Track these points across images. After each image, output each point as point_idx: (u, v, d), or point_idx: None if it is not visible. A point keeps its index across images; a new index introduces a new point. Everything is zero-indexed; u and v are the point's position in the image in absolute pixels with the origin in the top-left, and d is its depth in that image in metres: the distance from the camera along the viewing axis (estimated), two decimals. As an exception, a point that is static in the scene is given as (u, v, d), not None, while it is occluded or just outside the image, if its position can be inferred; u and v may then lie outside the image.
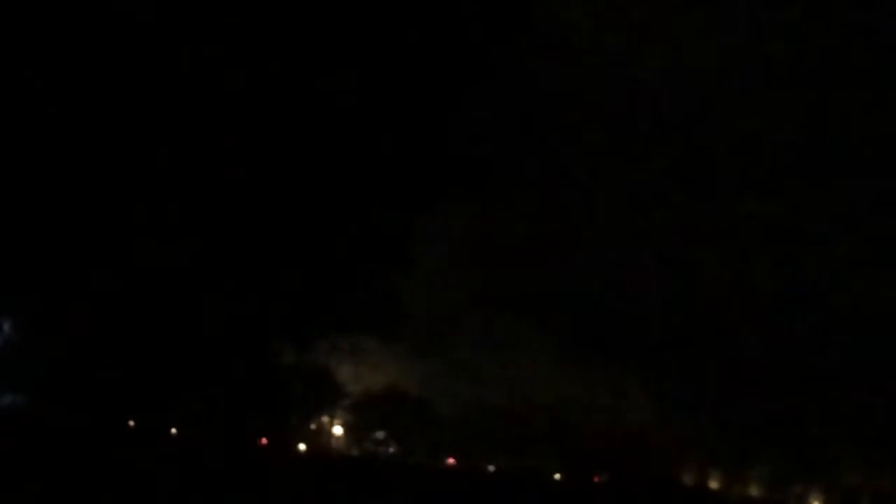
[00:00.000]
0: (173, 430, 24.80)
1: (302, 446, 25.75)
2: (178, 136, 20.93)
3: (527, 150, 24.07)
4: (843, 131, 25.49)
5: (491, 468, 26.79)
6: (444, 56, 20.60)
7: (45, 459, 21.01)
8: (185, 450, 24.44)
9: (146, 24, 19.19)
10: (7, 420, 24.25)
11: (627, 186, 25.77)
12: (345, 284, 23.19)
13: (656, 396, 26.44)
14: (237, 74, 20.64)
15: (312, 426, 26.00)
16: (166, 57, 19.76)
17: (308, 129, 21.27)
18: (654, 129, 25.28)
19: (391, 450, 26.77)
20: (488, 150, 22.99)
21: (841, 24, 24.79)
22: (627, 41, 24.33)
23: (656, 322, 26.10)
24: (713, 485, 27.52)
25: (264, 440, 25.28)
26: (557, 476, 26.45)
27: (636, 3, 24.18)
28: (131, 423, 24.60)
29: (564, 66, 23.38)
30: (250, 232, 22.02)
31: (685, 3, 24.53)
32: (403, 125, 21.17)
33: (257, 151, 21.30)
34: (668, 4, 24.43)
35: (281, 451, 25.54)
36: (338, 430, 26.32)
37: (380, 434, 26.69)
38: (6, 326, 23.76)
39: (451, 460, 26.68)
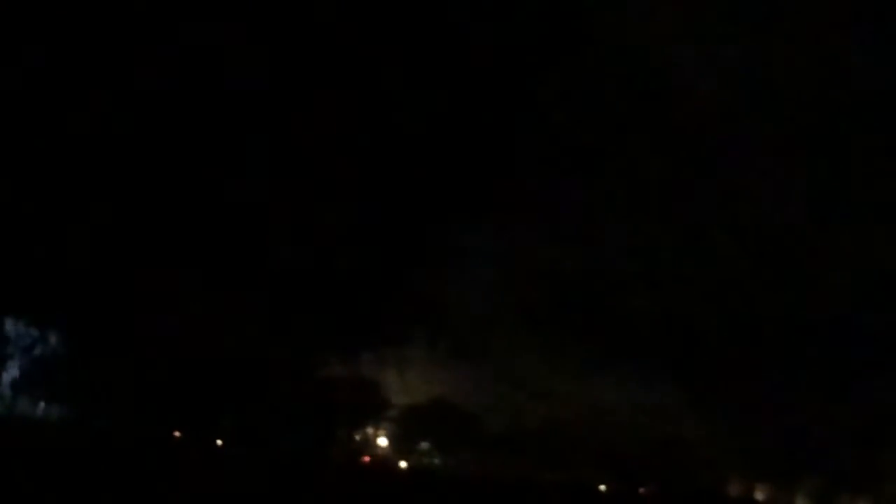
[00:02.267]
0: (219, 442, 24.80)
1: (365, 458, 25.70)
2: (218, 154, 20.90)
3: (568, 173, 23.93)
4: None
5: (534, 480, 26.68)
6: (498, 79, 20.53)
7: (92, 470, 21.03)
8: (230, 461, 24.43)
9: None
10: (53, 430, 24.38)
11: (668, 205, 25.68)
12: (391, 297, 23.13)
13: (703, 408, 26.27)
14: (279, 81, 20.51)
15: (357, 437, 25.94)
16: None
17: (357, 143, 21.18)
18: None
19: (436, 461, 26.70)
20: (532, 172, 23.00)
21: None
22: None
23: (703, 335, 25.95)
24: (759, 496, 27.35)
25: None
26: (603, 487, 26.30)
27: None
28: (177, 434, 24.62)
29: (611, 93, 23.28)
30: (298, 245, 21.98)
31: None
32: (454, 143, 21.08)
33: (303, 165, 21.23)
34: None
35: (325, 461, 25.51)
36: (383, 441, 26.26)
37: (424, 445, 26.61)
38: (53, 339, 23.85)
39: (490, 473, 26.61)
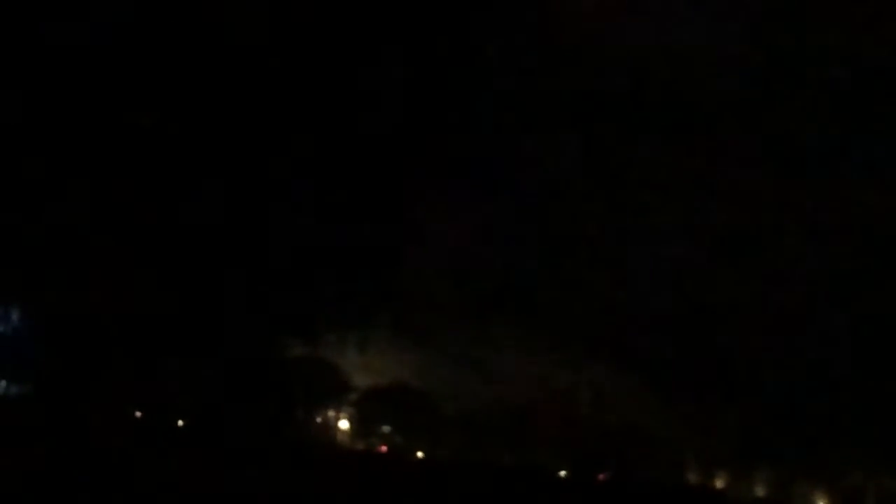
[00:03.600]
0: (179, 423, 24.81)
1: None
2: (178, 135, 20.87)
3: (531, 150, 24.06)
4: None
5: (493, 464, 26.80)
6: (446, 53, 20.56)
7: (49, 450, 20.99)
8: (190, 442, 24.43)
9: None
10: (11, 409, 24.29)
11: (633, 189, 25.81)
12: (352, 278, 23.15)
13: (662, 396, 26.43)
14: (233, 67, 20.50)
15: (318, 420, 26.01)
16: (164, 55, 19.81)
17: (312, 125, 21.22)
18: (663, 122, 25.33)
19: (396, 443, 26.79)
20: (491, 149, 23.02)
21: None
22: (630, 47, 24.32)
23: (662, 321, 26.13)
24: (718, 484, 27.54)
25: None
26: (562, 473, 26.45)
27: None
28: (137, 414, 24.59)
29: (571, 65, 23.35)
30: (257, 226, 21.99)
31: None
32: (408, 123, 21.12)
33: (263, 146, 21.26)
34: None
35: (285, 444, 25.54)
36: (344, 424, 26.34)
37: (385, 428, 26.69)
38: (14, 316, 23.75)
39: (451, 456, 26.69)
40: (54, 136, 20.05)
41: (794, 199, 26.14)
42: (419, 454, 26.48)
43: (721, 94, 25.35)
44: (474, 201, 23.53)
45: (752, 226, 26.36)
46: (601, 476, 27.02)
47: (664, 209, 25.84)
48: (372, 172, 21.35)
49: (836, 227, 26.28)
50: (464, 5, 20.24)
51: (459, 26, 20.22)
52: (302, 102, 20.61)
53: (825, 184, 25.67)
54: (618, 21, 23.27)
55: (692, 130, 25.58)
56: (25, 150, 20.30)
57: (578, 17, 22.02)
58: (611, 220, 25.66)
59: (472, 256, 24.67)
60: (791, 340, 26.55)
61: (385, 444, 26.84)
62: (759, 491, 27.65)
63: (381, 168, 21.40)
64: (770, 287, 26.65)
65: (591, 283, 26.23)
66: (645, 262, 26.12)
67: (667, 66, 24.63)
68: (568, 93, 23.69)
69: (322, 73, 19.68)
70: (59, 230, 21.74)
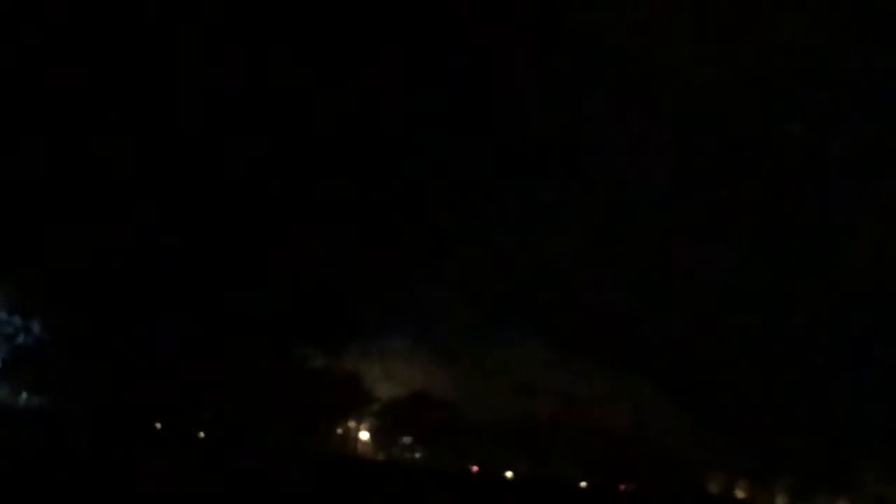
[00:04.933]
0: (201, 434, 24.78)
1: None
2: (202, 141, 20.94)
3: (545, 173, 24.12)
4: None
5: (515, 475, 26.71)
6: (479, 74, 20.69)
7: (70, 459, 20.99)
8: (211, 452, 24.39)
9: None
10: (33, 420, 24.29)
11: (644, 206, 25.87)
12: (375, 289, 23.17)
13: (684, 407, 26.38)
14: (263, 77, 20.61)
15: (339, 431, 25.93)
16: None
17: (340, 136, 21.26)
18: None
19: (417, 455, 26.68)
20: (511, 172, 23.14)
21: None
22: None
23: (684, 334, 26.08)
24: (739, 494, 27.44)
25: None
26: (583, 484, 26.33)
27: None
28: (158, 425, 24.59)
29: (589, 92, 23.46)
30: (281, 235, 22.01)
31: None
32: (436, 140, 21.21)
33: (288, 158, 21.30)
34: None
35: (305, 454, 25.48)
36: (364, 435, 26.25)
37: (406, 439, 26.60)
38: (36, 328, 23.80)
39: (474, 468, 26.58)
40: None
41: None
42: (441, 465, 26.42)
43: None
44: (500, 213, 23.58)
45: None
46: (623, 486, 26.93)
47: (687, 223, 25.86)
48: (398, 189, 21.39)
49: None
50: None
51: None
52: (321, 98, 20.61)
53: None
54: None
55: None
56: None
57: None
58: (635, 240, 25.71)
59: (497, 268, 24.67)
60: (817, 350, 26.51)
61: (406, 455, 26.81)
62: (781, 500, 27.56)
63: (406, 185, 21.43)
64: (795, 296, 26.61)
65: (613, 298, 26.24)
66: (669, 278, 26.11)
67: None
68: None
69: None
70: (77, 245, 21.82)
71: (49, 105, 20.20)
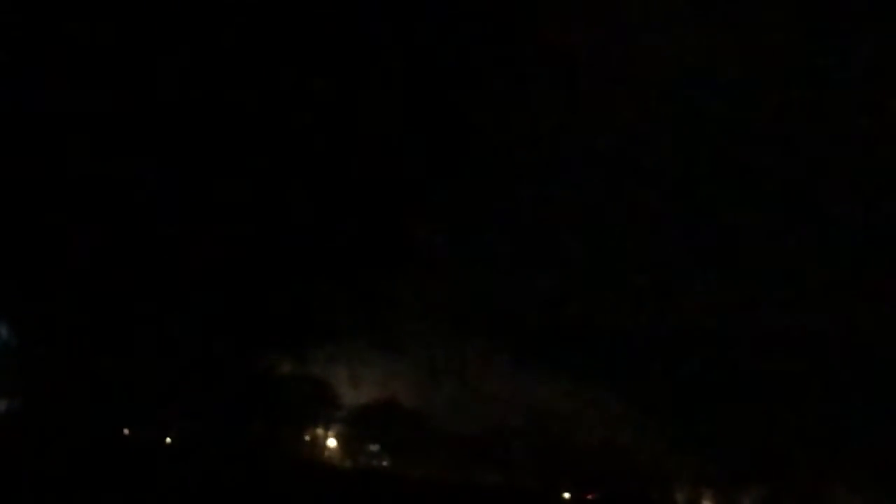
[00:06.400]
0: (168, 440, 24.69)
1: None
2: (172, 142, 20.90)
3: (529, 177, 24.25)
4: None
5: (482, 485, 26.73)
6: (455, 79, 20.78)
7: (39, 466, 20.87)
8: (178, 459, 24.32)
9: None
10: (4, 425, 24.16)
11: (625, 215, 26.07)
12: (343, 293, 23.14)
13: (651, 417, 26.49)
14: (236, 75, 20.61)
15: (306, 437, 25.88)
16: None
17: (305, 135, 21.26)
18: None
19: (385, 463, 26.66)
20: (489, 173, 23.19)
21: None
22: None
23: (653, 344, 26.23)
24: (706, 504, 27.59)
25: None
26: (567, 495, 26.39)
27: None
28: (126, 431, 24.47)
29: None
30: (247, 237, 21.95)
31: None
32: (407, 137, 21.24)
33: (253, 159, 21.28)
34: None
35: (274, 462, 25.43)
36: (332, 442, 26.23)
37: (374, 447, 26.58)
38: (3, 330, 23.65)
39: (442, 477, 26.62)
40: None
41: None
42: (409, 474, 26.38)
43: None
44: (476, 216, 23.62)
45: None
46: (590, 496, 27.02)
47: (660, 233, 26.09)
48: (371, 190, 21.42)
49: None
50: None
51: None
52: (300, 101, 20.65)
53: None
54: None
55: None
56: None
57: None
58: (608, 244, 25.88)
59: (466, 273, 24.76)
60: (783, 362, 26.68)
61: (373, 463, 26.78)
62: (747, 511, 27.71)
63: (380, 186, 21.47)
64: (765, 308, 26.83)
65: (581, 306, 26.37)
66: (635, 286, 26.30)
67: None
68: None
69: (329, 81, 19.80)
70: (47, 239, 21.72)
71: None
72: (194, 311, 21.78)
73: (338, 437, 26.50)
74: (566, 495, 26.55)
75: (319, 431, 26.32)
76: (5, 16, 18.19)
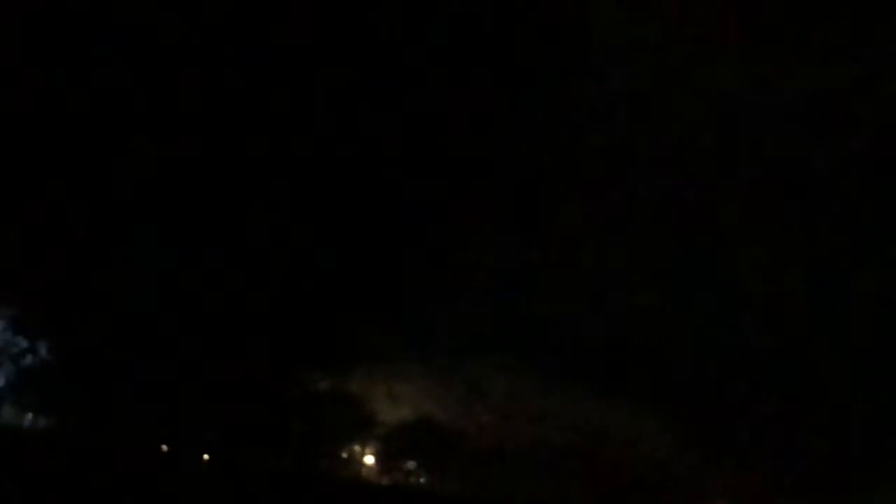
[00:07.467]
0: (205, 456, 24.70)
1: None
2: (214, 155, 20.98)
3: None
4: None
5: (519, 502, 26.54)
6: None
7: (77, 483, 20.93)
8: (216, 475, 24.33)
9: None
10: (40, 441, 24.28)
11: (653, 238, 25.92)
12: (382, 312, 23.11)
13: (682, 433, 26.26)
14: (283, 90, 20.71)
15: (343, 454, 25.84)
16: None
17: (349, 161, 21.28)
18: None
19: (421, 480, 26.55)
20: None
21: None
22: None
23: (684, 360, 26.00)
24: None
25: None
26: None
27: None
28: (164, 447, 24.54)
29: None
30: (288, 257, 21.99)
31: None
32: (448, 163, 21.25)
33: (298, 178, 21.32)
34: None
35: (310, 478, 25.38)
36: (369, 459, 26.15)
37: (411, 464, 26.49)
38: (42, 350, 23.82)
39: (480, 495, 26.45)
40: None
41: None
42: (446, 491, 26.25)
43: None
44: (515, 242, 23.51)
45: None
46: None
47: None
48: (410, 207, 21.37)
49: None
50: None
51: None
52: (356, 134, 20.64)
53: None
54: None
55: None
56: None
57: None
58: (635, 268, 25.72)
59: (504, 295, 24.64)
60: (814, 378, 26.39)
61: (410, 480, 26.68)
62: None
63: (420, 203, 21.42)
64: (791, 324, 26.55)
65: (612, 327, 26.21)
66: (661, 304, 26.09)
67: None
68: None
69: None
70: (83, 264, 21.84)
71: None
72: (235, 331, 21.82)
73: (375, 454, 26.42)
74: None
75: (357, 448, 26.25)
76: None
